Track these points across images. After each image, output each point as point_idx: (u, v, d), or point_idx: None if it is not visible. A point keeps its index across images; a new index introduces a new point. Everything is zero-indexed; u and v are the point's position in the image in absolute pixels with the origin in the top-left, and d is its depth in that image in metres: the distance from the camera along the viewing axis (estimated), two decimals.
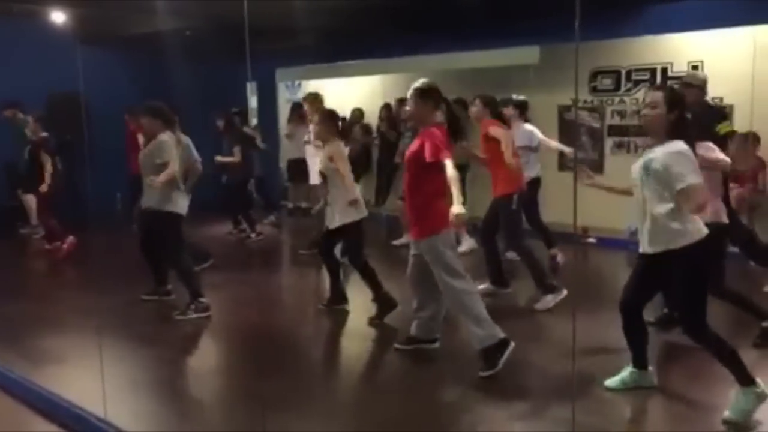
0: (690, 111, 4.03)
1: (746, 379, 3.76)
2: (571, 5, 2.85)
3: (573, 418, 3.39)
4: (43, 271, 8.65)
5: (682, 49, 8.66)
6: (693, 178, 3.62)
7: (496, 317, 4.60)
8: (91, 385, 4.41)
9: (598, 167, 8.89)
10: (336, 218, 5.84)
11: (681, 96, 3.92)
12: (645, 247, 3.87)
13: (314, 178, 7.59)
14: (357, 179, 6.92)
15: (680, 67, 8.64)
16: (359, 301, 6.16)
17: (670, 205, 3.70)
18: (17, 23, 9.61)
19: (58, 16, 9.14)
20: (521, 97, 7.73)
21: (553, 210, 7.82)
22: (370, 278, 5.92)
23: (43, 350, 5.29)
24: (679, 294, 3.87)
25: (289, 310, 6.67)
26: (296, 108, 11.22)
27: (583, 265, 8.09)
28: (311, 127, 7.37)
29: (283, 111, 12.50)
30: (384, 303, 5.80)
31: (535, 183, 7.56)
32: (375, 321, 5.78)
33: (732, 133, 6.44)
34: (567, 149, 8.39)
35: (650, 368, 4.27)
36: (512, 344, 4.51)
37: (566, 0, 3.12)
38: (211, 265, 7.52)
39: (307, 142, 8.34)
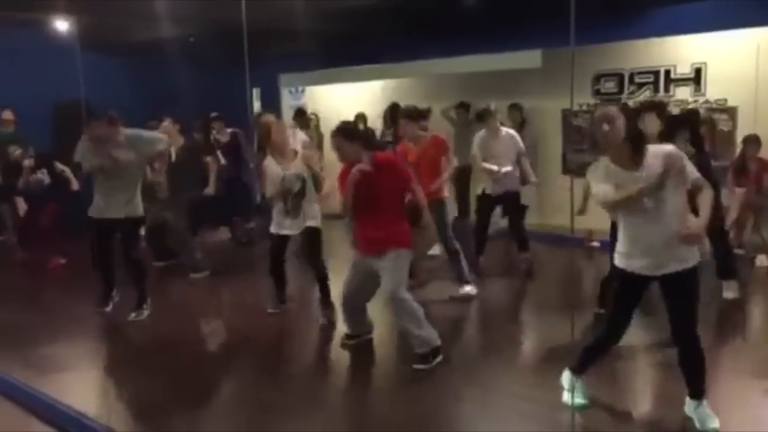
0: None
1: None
2: (574, 9, 2.85)
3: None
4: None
5: (686, 51, 8.64)
6: None
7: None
8: (93, 392, 4.43)
9: None
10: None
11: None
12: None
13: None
14: None
15: (684, 69, 8.63)
16: None
17: None
18: (21, 32, 9.63)
19: (62, 24, 9.16)
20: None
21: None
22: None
23: (46, 357, 5.30)
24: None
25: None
26: (299, 113, 11.30)
27: (587, 268, 8.07)
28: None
29: (287, 117, 12.53)
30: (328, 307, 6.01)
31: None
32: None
33: None
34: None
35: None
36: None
37: (569, 4, 3.12)
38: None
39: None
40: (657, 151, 3.59)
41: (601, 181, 3.62)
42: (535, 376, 4.51)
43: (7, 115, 9.69)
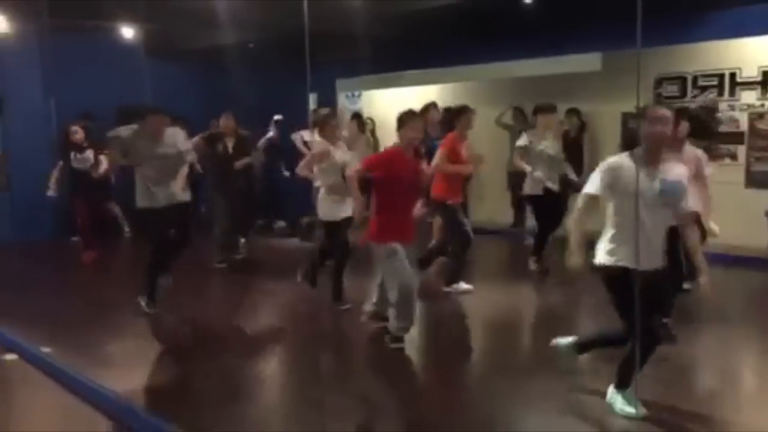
0: None
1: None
2: (634, 11, 2.80)
3: None
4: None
5: (752, 53, 8.40)
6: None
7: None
8: (157, 389, 4.53)
9: None
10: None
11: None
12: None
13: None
14: None
15: (750, 72, 8.39)
16: None
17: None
18: (87, 38, 9.94)
19: (127, 31, 9.44)
20: None
21: None
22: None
23: (112, 355, 5.46)
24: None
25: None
26: (356, 117, 11.36)
27: None
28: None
29: (343, 121, 12.61)
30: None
31: None
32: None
33: None
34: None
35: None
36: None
37: (628, 6, 3.08)
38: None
39: None
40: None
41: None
42: (592, 382, 4.44)
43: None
